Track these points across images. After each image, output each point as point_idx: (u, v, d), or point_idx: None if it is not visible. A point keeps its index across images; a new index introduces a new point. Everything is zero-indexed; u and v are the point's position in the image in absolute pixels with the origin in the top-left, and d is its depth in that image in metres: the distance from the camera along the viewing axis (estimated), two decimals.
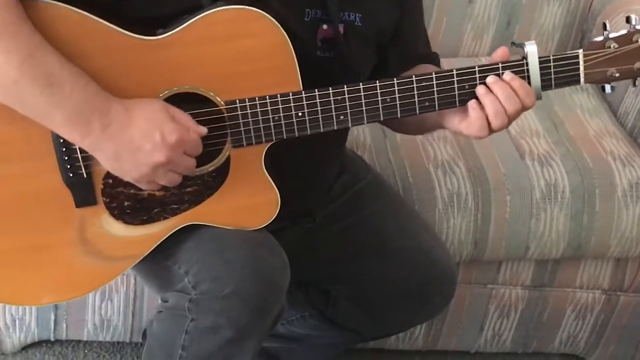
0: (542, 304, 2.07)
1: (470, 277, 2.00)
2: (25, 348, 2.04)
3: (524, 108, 1.37)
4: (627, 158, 1.97)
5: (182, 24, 1.29)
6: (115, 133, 1.24)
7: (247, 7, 1.29)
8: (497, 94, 1.35)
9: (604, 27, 1.36)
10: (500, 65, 1.36)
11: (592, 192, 1.90)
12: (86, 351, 2.07)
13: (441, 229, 1.86)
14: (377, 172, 1.81)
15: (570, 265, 2.02)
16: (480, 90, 1.36)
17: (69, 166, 1.31)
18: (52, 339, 2.02)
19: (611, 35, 1.36)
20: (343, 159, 1.70)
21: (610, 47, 1.35)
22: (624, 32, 1.36)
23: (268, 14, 1.30)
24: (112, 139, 1.25)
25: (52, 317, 1.97)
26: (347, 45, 1.44)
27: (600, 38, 1.36)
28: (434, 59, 1.62)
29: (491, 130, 1.38)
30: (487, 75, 1.36)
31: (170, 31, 1.29)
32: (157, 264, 1.44)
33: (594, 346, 2.15)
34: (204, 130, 1.30)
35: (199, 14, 1.29)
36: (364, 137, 2.00)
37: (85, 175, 1.32)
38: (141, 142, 1.25)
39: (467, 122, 1.38)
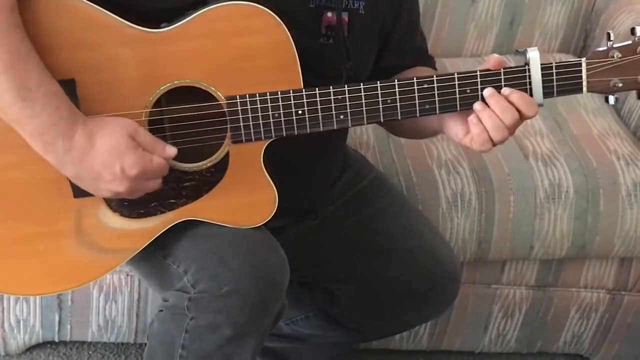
0: (547, 304, 2.07)
1: (474, 277, 2.00)
2: (30, 349, 2.04)
3: (525, 118, 1.35)
4: (631, 157, 1.97)
5: (185, 18, 1.30)
6: (76, 158, 1.26)
7: (250, 3, 1.30)
8: (493, 108, 1.34)
9: (608, 37, 1.35)
10: (502, 71, 1.35)
11: (596, 191, 1.90)
12: (90, 352, 2.07)
13: (445, 229, 1.87)
14: (379, 171, 1.80)
15: (575, 265, 2.02)
16: (477, 106, 1.35)
17: None
18: (56, 340, 2.03)
19: (615, 45, 1.35)
20: (345, 157, 1.70)
21: (613, 57, 1.35)
22: (628, 42, 1.35)
23: (273, 5, 1.31)
24: (74, 162, 1.26)
25: (57, 318, 1.97)
26: (351, 34, 1.44)
27: (604, 47, 1.35)
28: (430, 61, 1.63)
29: (494, 144, 1.37)
30: (489, 80, 1.35)
31: (173, 25, 1.31)
32: (157, 263, 1.45)
33: (598, 346, 2.15)
34: (172, 152, 1.31)
35: (203, 9, 1.30)
36: (367, 136, 2.00)
37: None
38: (101, 171, 1.27)
39: (469, 136, 1.37)
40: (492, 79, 1.35)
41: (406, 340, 2.08)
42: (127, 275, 1.91)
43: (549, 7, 2.28)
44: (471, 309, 2.05)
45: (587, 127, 2.07)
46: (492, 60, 1.36)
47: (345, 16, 1.44)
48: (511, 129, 1.35)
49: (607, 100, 1.38)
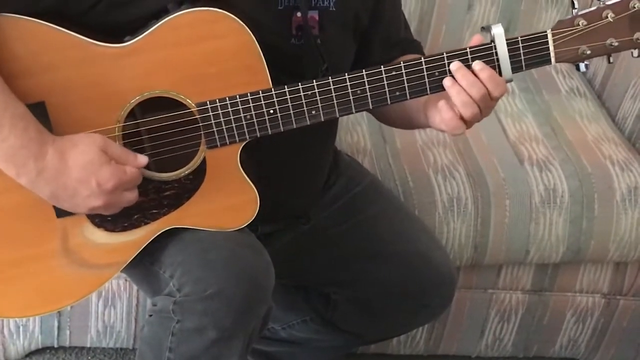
0: (543, 308, 2.08)
1: (471, 281, 2.01)
2: (29, 355, 2.04)
3: (494, 97, 1.35)
4: (625, 163, 1.98)
5: (148, 29, 1.30)
6: (50, 178, 1.26)
7: (210, 8, 1.30)
8: (460, 82, 1.34)
9: (572, 5, 1.34)
10: (468, 49, 1.34)
11: (590, 196, 1.91)
12: (89, 357, 2.07)
13: (441, 234, 1.87)
14: (375, 176, 1.81)
15: (570, 270, 2.03)
16: (446, 82, 1.35)
17: None
18: (55, 346, 2.03)
19: (580, 13, 1.33)
20: (339, 164, 1.71)
21: (579, 25, 1.33)
22: (593, 8, 1.33)
23: (239, 9, 1.31)
24: (48, 182, 1.26)
25: (56, 324, 1.98)
26: (322, 32, 1.44)
27: (570, 16, 1.34)
28: (418, 47, 1.62)
29: (466, 123, 1.36)
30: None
31: (137, 37, 1.30)
32: (145, 269, 1.45)
33: (594, 350, 2.16)
34: (144, 160, 1.32)
35: (164, 18, 1.30)
36: (364, 142, 2.01)
37: None
38: (77, 187, 1.27)
39: (443, 122, 1.37)
40: (459, 59, 1.34)
41: (403, 345, 2.08)
42: (126, 280, 1.92)
43: (544, 14, 2.29)
44: (468, 313, 2.05)
45: (582, 133, 2.08)
46: (474, 39, 1.36)
47: (315, 15, 1.44)
48: (481, 105, 1.35)
49: (577, 68, 1.37)
